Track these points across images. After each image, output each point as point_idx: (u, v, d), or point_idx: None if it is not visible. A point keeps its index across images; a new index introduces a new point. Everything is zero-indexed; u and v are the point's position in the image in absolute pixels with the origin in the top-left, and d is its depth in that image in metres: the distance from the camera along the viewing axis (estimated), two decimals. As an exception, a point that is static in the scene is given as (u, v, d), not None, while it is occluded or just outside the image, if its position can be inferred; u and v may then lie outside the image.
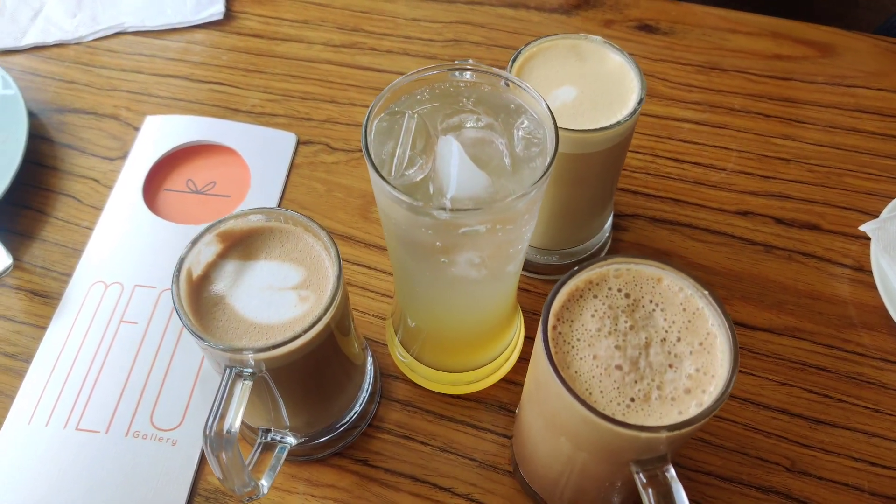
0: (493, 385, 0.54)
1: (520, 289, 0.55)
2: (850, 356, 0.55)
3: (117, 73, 0.75)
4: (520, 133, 0.39)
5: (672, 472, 0.35)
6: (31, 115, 0.70)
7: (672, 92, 0.73)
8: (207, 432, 0.37)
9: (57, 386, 0.54)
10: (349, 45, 0.77)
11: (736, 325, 0.57)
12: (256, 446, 0.47)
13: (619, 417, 0.33)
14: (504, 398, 0.54)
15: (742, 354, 0.56)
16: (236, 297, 0.41)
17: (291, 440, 0.48)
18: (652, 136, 0.69)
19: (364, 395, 0.52)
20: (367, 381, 0.52)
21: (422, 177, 0.37)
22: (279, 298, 0.41)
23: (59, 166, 0.68)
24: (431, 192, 0.36)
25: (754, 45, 0.77)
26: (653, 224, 0.63)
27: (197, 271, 0.41)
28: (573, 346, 0.35)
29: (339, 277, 0.40)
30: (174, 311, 0.57)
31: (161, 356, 0.55)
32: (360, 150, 0.68)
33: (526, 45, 0.50)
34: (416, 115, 0.38)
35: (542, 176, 0.35)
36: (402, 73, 0.40)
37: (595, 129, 0.45)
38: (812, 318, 0.57)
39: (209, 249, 0.42)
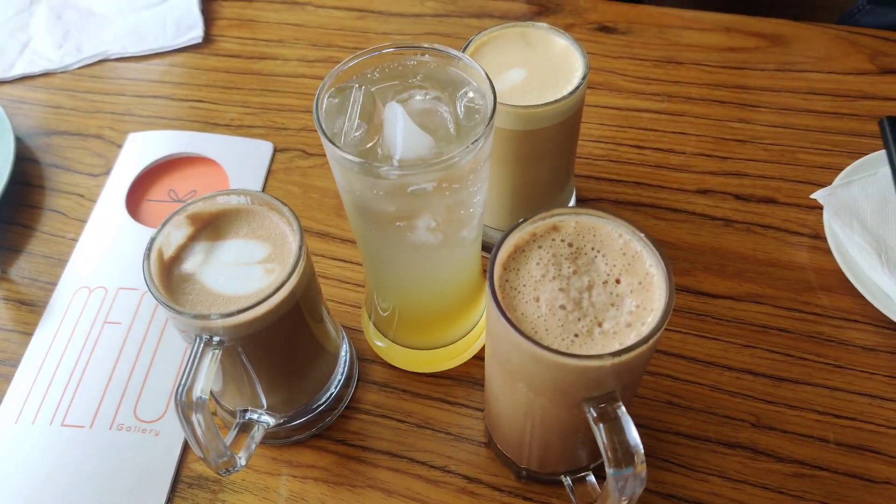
0: (466, 363, 0.56)
1: (484, 271, 0.57)
2: (810, 317, 0.57)
3: (101, 96, 0.79)
4: (463, 102, 0.41)
5: (622, 408, 0.37)
6: (18, 140, 0.73)
7: (631, 86, 0.76)
8: (178, 398, 0.39)
9: (43, 385, 0.56)
10: (323, 60, 0.81)
11: (699, 294, 0.59)
12: (234, 426, 0.49)
13: (564, 350, 0.35)
14: (477, 374, 0.56)
15: (705, 321, 0.57)
16: (206, 273, 0.43)
17: (269, 420, 0.50)
18: (613, 126, 0.72)
19: (340, 378, 0.54)
20: (343, 364, 0.54)
21: (371, 144, 0.39)
22: (246, 272, 0.43)
23: (45, 185, 0.71)
24: (380, 156, 0.39)
25: (708, 39, 0.80)
26: (616, 206, 0.65)
27: (168, 252, 0.44)
28: (519, 292, 0.38)
29: (300, 248, 0.42)
30: (156, 310, 0.59)
31: (144, 352, 0.57)
32: (334, 155, 0.71)
33: (477, 34, 0.53)
34: (363, 88, 0.40)
35: (484, 129, 0.37)
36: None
37: (542, 104, 0.48)
38: (772, 284, 0.59)
39: (179, 231, 0.44)
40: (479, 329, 0.56)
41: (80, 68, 0.82)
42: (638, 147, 0.70)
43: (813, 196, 0.61)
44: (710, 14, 0.83)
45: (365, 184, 0.39)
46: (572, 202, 0.63)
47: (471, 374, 0.56)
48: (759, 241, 0.62)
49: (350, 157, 0.37)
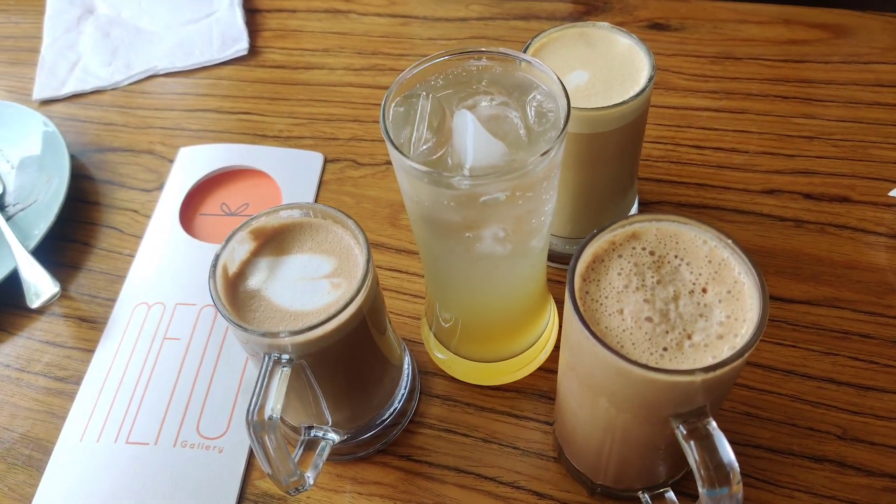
0: (532, 374, 0.54)
1: (549, 280, 0.55)
2: (894, 321, 0.54)
3: (151, 112, 0.79)
4: (533, 106, 0.40)
5: (713, 424, 0.35)
6: (73, 157, 0.73)
7: (688, 83, 0.73)
8: (249, 418, 0.38)
9: (106, 403, 0.55)
10: (369, 68, 0.80)
11: (773, 300, 0.56)
12: (300, 444, 0.48)
13: (653, 365, 0.33)
14: (543, 386, 0.54)
15: (781, 327, 0.55)
16: (271, 289, 0.42)
17: (334, 437, 0.49)
18: (671, 126, 0.70)
19: (403, 392, 0.52)
20: (406, 378, 0.53)
21: (440, 153, 0.38)
22: (312, 287, 0.42)
23: (101, 201, 0.71)
24: (450, 165, 0.37)
25: (766, 32, 0.77)
26: (679, 209, 0.63)
27: (232, 268, 0.43)
28: (601, 304, 0.36)
29: (368, 262, 0.41)
30: (214, 325, 0.59)
31: (204, 368, 0.56)
32: (386, 164, 0.70)
33: (535, 35, 0.52)
34: (430, 96, 0.39)
35: (558, 137, 0.36)
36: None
37: (608, 107, 0.46)
38: (851, 287, 0.56)
39: (243, 247, 0.43)
40: (543, 340, 0.54)
41: (129, 85, 0.83)
42: (698, 147, 0.68)
43: (892, 193, 0.58)
44: (766, 6, 0.80)
45: (434, 194, 0.38)
46: (635, 207, 0.61)
47: (536, 386, 0.54)
48: (833, 242, 0.59)
49: (420, 166, 0.36)
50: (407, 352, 0.54)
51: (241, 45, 0.84)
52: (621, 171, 0.54)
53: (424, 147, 0.38)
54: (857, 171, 0.64)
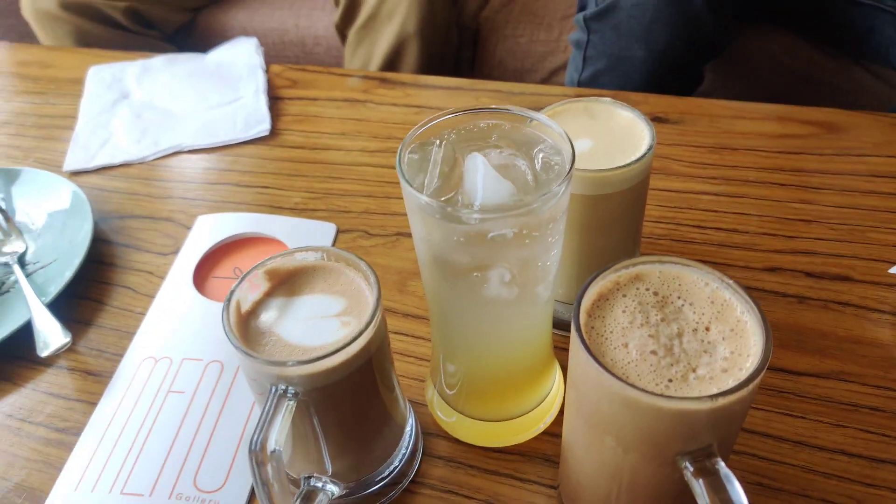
0: (536, 438, 0.54)
1: (555, 347, 0.56)
2: (903, 395, 0.54)
3: (173, 183, 0.83)
4: (539, 157, 0.42)
5: (722, 463, 0.34)
6: (95, 223, 0.76)
7: (687, 170, 0.77)
8: (253, 448, 0.38)
9: (105, 453, 0.55)
10: (384, 150, 0.84)
11: (779, 371, 0.56)
12: (298, 495, 0.47)
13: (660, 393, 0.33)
14: (548, 450, 0.53)
15: (789, 398, 0.54)
16: (282, 326, 0.43)
17: (333, 489, 0.48)
18: (673, 207, 0.72)
19: (405, 451, 0.52)
20: (409, 436, 0.52)
21: (451, 195, 0.40)
22: (322, 325, 0.43)
23: (118, 263, 0.73)
24: (461, 204, 0.39)
25: (761, 128, 0.81)
26: (682, 283, 0.64)
27: (245, 306, 0.44)
28: (606, 338, 0.36)
29: (377, 301, 0.42)
30: (219, 380, 0.59)
31: (206, 421, 0.56)
32: (396, 234, 0.72)
33: (540, 110, 0.55)
34: (443, 143, 0.41)
35: (565, 177, 0.38)
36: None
37: (612, 168, 0.49)
38: (857, 361, 0.56)
39: (257, 287, 0.45)
40: (548, 403, 0.54)
41: (155, 160, 0.87)
42: (699, 227, 0.70)
43: (892, 271, 0.59)
44: (759, 104, 0.84)
45: (445, 231, 0.39)
46: (639, 276, 0.62)
47: (541, 450, 0.53)
48: (837, 318, 0.60)
49: (433, 201, 0.38)
50: (411, 412, 0.54)
51: (264, 127, 0.88)
52: (624, 237, 0.55)
53: (437, 189, 0.40)
54: (857, 253, 0.65)
